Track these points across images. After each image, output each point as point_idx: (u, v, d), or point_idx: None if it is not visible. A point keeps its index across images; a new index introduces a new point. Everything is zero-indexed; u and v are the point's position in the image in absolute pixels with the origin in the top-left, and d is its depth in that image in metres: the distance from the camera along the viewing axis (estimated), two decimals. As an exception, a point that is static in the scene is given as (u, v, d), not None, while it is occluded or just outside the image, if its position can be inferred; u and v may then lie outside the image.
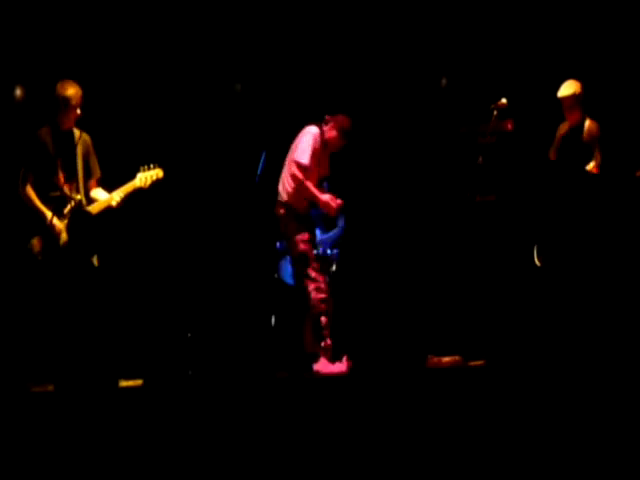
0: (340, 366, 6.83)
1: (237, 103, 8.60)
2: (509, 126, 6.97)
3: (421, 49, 8.53)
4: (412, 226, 8.38)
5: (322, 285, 6.97)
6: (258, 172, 7.15)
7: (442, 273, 8.18)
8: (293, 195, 7.07)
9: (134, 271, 7.88)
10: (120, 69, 8.15)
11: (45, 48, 7.92)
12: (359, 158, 8.38)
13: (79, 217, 6.39)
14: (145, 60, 8.27)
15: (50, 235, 6.34)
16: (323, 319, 6.93)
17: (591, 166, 6.86)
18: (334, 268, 7.64)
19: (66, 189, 6.44)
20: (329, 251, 7.61)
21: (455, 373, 6.46)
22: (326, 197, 7.07)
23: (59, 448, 4.76)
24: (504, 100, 6.98)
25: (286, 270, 7.75)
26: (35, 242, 6.38)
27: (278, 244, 7.83)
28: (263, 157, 7.17)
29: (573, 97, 6.98)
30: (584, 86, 7.00)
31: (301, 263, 7.02)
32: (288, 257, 7.45)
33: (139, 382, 6.23)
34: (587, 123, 7.03)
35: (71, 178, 6.48)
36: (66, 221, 6.39)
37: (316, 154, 7.07)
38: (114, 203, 6.47)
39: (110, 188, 6.55)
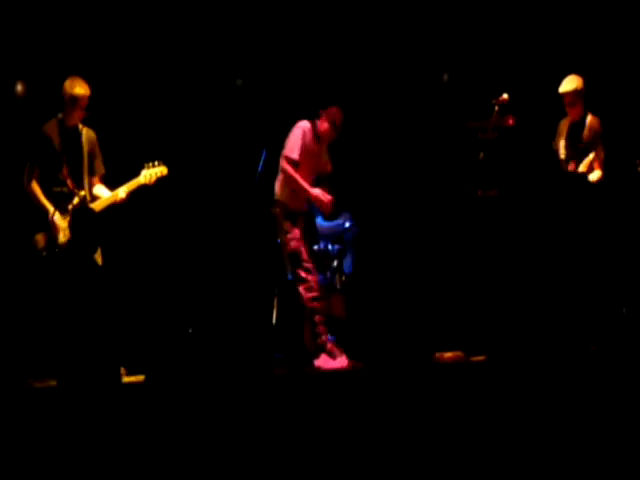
0: (341, 362, 6.84)
1: (239, 100, 8.58)
2: (510, 121, 6.96)
3: (422, 45, 8.52)
4: (414, 222, 8.37)
5: (312, 284, 6.97)
6: (258, 170, 7.14)
7: (443, 268, 8.17)
8: (285, 191, 7.07)
9: (136, 267, 7.88)
10: (122, 66, 8.13)
11: (48, 44, 7.89)
12: (359, 155, 8.37)
13: (82, 214, 6.39)
14: (147, 57, 8.24)
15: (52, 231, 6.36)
16: (317, 317, 6.94)
17: (590, 159, 6.85)
18: (335, 264, 7.63)
19: (70, 184, 6.44)
20: (330, 246, 7.61)
21: (457, 368, 6.48)
22: (317, 191, 7.04)
23: (62, 444, 4.77)
24: (505, 95, 6.97)
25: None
26: (39, 238, 6.37)
27: (279, 241, 7.81)
28: (264, 156, 7.16)
29: (575, 92, 6.98)
30: (586, 81, 7.00)
31: (292, 262, 7.03)
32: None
33: (141, 378, 6.24)
34: (589, 118, 7.03)
35: (75, 174, 6.47)
36: (69, 218, 6.39)
37: (307, 148, 7.04)
38: (119, 199, 6.47)
39: (114, 185, 6.55)
